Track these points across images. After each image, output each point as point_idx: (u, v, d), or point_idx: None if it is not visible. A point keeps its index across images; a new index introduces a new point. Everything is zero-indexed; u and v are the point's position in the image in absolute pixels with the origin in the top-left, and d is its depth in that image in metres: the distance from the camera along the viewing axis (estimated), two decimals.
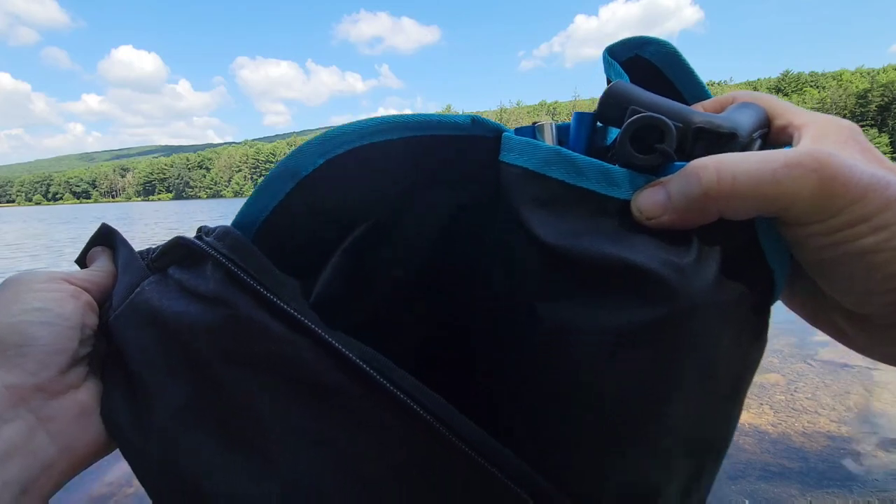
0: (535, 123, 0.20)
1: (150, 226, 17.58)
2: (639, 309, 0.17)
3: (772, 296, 0.20)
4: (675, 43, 0.21)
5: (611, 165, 0.18)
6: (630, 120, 0.17)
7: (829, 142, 0.17)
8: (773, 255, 0.18)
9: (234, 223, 0.23)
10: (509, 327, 0.20)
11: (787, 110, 0.19)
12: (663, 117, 0.17)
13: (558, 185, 0.18)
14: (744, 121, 0.19)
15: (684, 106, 0.18)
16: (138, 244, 0.23)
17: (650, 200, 0.17)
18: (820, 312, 0.21)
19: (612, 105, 0.18)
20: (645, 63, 0.23)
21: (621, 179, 0.18)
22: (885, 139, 69.80)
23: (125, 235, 0.24)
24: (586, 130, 0.19)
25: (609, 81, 0.20)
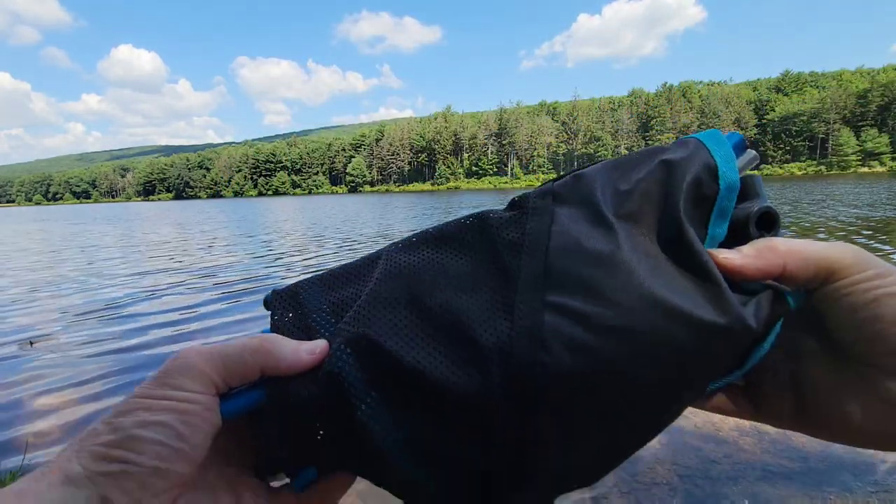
0: None
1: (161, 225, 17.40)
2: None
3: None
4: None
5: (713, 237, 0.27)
6: (764, 206, 0.26)
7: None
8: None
9: None
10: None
11: None
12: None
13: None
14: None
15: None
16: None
17: (729, 252, 0.25)
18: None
19: (748, 185, 0.27)
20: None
21: (720, 236, 0.27)
22: (885, 139, 67.84)
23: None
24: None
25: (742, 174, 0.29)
